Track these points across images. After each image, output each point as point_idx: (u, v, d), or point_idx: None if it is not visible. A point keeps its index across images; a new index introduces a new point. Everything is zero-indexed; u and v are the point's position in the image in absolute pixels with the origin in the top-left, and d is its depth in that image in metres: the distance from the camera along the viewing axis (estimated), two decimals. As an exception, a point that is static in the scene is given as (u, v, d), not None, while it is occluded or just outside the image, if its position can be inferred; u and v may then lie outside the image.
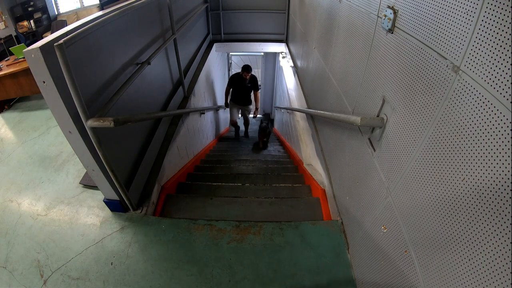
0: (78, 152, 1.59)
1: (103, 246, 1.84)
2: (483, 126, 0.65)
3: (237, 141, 6.09)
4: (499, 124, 0.60)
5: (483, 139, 0.65)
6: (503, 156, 0.59)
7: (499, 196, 0.60)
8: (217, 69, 6.19)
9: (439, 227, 0.81)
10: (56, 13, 7.51)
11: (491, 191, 0.62)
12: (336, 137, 2.03)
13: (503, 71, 0.59)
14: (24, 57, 3.67)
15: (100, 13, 1.77)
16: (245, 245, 1.82)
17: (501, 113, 0.59)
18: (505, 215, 0.58)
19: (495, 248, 0.61)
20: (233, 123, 5.57)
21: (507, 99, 0.58)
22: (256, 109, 5.17)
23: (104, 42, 1.61)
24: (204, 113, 4.40)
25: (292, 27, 4.80)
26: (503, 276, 0.59)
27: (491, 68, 0.62)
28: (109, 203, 2.00)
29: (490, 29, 0.62)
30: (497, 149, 0.61)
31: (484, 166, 0.64)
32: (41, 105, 3.96)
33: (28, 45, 1.60)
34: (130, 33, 1.95)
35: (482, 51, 0.65)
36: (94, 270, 1.71)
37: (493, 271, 0.62)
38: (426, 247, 0.88)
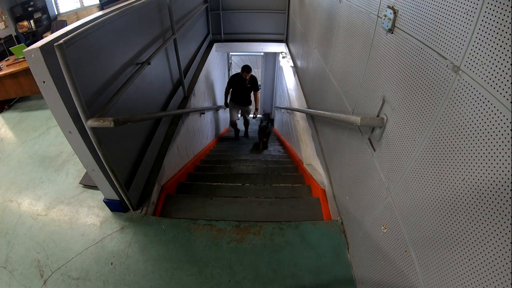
0: (78, 152, 1.59)
1: (103, 246, 1.84)
2: (483, 126, 0.65)
3: (237, 141, 6.09)
4: (499, 124, 0.60)
5: (483, 139, 0.65)
6: (503, 156, 0.59)
7: (499, 196, 0.60)
8: (217, 69, 6.19)
9: (439, 227, 0.81)
10: (56, 13, 7.51)
11: (491, 191, 0.62)
12: (336, 137, 2.03)
13: (503, 71, 0.59)
14: (24, 57, 3.68)
15: (100, 13, 1.77)
16: (245, 245, 1.82)
17: (501, 113, 0.59)
18: (505, 215, 0.58)
19: (495, 248, 0.61)
20: (233, 123, 5.57)
21: (507, 99, 0.58)
22: (256, 109, 5.16)
23: (104, 42, 1.61)
24: (204, 113, 4.40)
25: (292, 27, 4.80)
26: (503, 276, 0.59)
27: (491, 68, 0.62)
28: (109, 203, 2.00)
29: (490, 29, 0.62)
30: (497, 149, 0.61)
31: (484, 166, 0.64)
32: (41, 105, 3.96)
33: (28, 45, 1.60)
34: (130, 33, 1.95)
35: (482, 51, 0.65)
36: (94, 270, 1.71)
37: (493, 271, 0.62)
38: (426, 247, 0.88)
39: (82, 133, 1.46)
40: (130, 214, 2.02)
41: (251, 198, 2.45)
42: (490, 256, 0.62)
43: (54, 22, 6.56)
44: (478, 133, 0.66)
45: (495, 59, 0.61)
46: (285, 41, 5.48)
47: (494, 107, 0.61)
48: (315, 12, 2.79)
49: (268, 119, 5.54)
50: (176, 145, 2.84)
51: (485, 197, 0.64)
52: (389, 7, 1.11)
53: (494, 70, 0.61)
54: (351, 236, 1.72)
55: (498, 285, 0.60)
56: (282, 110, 5.45)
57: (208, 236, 1.89)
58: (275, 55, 7.52)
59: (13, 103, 4.18)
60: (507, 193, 0.58)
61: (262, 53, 7.78)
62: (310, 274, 1.66)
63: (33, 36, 6.56)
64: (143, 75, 2.12)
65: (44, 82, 1.24)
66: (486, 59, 0.63)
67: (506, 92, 0.58)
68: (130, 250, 1.80)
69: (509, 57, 0.57)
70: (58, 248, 1.86)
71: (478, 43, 0.66)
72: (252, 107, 5.35)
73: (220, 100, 5.97)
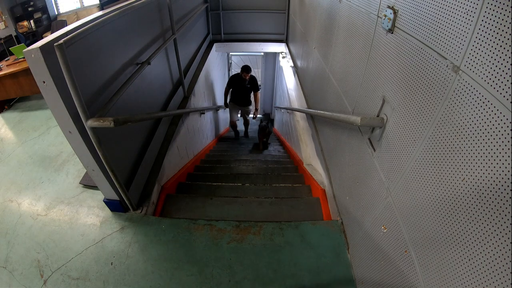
0: (78, 152, 1.59)
1: (103, 246, 1.84)
2: (483, 126, 0.65)
3: (237, 141, 6.09)
4: (499, 124, 0.60)
5: (483, 139, 0.65)
6: (503, 156, 0.59)
7: (499, 196, 0.60)
8: (217, 69, 6.19)
9: (439, 227, 0.81)
10: (56, 13, 7.51)
11: (491, 191, 0.62)
12: (336, 137, 2.03)
13: (503, 71, 0.59)
14: (24, 57, 3.68)
15: (100, 13, 1.77)
16: (245, 245, 1.82)
17: (501, 113, 0.59)
18: (505, 215, 0.58)
19: (495, 248, 0.61)
20: (233, 124, 5.56)
21: (507, 99, 0.58)
22: (256, 109, 5.15)
23: (104, 42, 1.61)
24: (204, 113, 4.40)
25: (292, 27, 4.80)
26: (503, 276, 0.59)
27: (491, 68, 0.62)
28: (109, 203, 2.00)
29: (490, 29, 0.62)
30: (497, 149, 0.61)
31: (484, 166, 0.64)
32: (41, 105, 3.96)
33: (28, 45, 1.60)
34: (130, 33, 1.95)
35: (482, 51, 0.65)
36: (94, 270, 1.71)
37: (493, 271, 0.62)
38: (426, 247, 0.88)
39: (82, 133, 1.46)
40: (130, 214, 2.02)
41: (251, 198, 2.45)
42: (490, 256, 0.62)
43: (54, 22, 6.56)
44: (478, 133, 0.66)
45: (495, 59, 0.61)
46: (285, 41, 5.48)
47: (494, 107, 0.61)
48: (315, 12, 2.79)
49: (268, 119, 5.53)
50: (176, 145, 2.84)
51: (485, 197, 0.64)
52: (389, 7, 1.11)
53: (494, 70, 0.61)
54: (351, 236, 1.72)
55: (498, 285, 0.60)
56: (282, 110, 5.45)
57: (208, 236, 1.89)
58: (275, 55, 7.52)
59: (13, 103, 4.18)
60: (507, 193, 0.58)
61: (262, 53, 7.78)
62: (310, 274, 1.66)
63: (33, 36, 6.56)
64: (143, 75, 2.12)
65: (44, 82, 1.24)
66: (486, 59, 0.63)
67: (506, 92, 0.58)
68: (130, 250, 1.80)
69: (509, 57, 0.57)
70: (58, 248, 1.86)
71: (478, 43, 0.66)
72: (252, 108, 5.35)
73: (220, 100, 5.97)
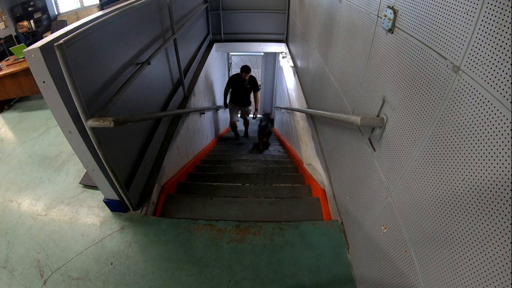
0: (78, 152, 1.59)
1: (103, 246, 1.84)
2: (483, 126, 0.65)
3: (237, 141, 6.09)
4: (499, 124, 0.60)
5: (483, 139, 0.65)
6: (503, 156, 0.59)
7: (499, 196, 0.60)
8: (217, 69, 6.19)
9: (439, 227, 0.81)
10: (56, 13, 7.51)
11: (491, 191, 0.62)
12: (336, 137, 2.03)
13: (503, 71, 0.59)
14: (24, 57, 3.68)
15: (100, 13, 1.77)
16: (245, 245, 1.82)
17: (501, 113, 0.59)
18: (505, 215, 0.58)
19: (495, 248, 0.61)
20: (233, 125, 5.56)
21: (507, 99, 0.58)
22: (256, 109, 5.15)
23: (104, 42, 1.61)
24: (204, 113, 4.40)
25: (292, 27, 4.80)
26: (503, 276, 0.59)
27: (491, 68, 0.62)
28: (109, 203, 2.00)
29: (490, 29, 0.62)
30: (497, 149, 0.61)
31: (484, 166, 0.64)
32: (41, 105, 3.96)
33: (28, 45, 1.60)
34: (130, 33, 1.95)
35: (482, 51, 0.65)
36: (94, 270, 1.71)
37: (493, 271, 0.62)
38: (426, 247, 0.88)
39: (82, 133, 1.46)
40: (130, 214, 2.02)
41: (251, 198, 2.45)
42: (490, 256, 0.62)
43: (54, 22, 6.56)
44: (478, 133, 0.66)
45: (495, 59, 0.61)
46: (285, 41, 5.48)
47: (494, 107, 0.61)
48: (315, 12, 2.79)
49: (268, 119, 5.53)
50: (176, 145, 2.84)
51: (485, 197, 0.64)
52: (389, 7, 1.11)
53: (494, 70, 0.61)
54: (351, 236, 1.72)
55: (498, 285, 0.60)
56: (282, 110, 5.45)
57: (208, 236, 1.89)
58: (275, 55, 7.52)
59: (13, 103, 4.18)
60: (507, 193, 0.58)
61: (262, 53, 7.78)
62: (310, 274, 1.66)
63: (33, 36, 6.56)
64: (143, 75, 2.12)
65: (44, 82, 1.24)
66: (486, 59, 0.63)
67: (506, 92, 0.58)
68: (130, 250, 1.80)
69: (509, 57, 0.57)
70: (58, 248, 1.86)
71: (478, 43, 0.66)
72: (251, 108, 5.34)
73: (220, 100, 5.98)
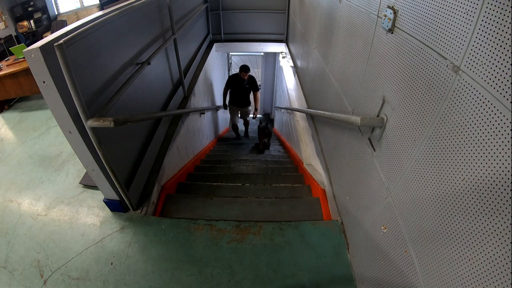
0: (78, 152, 1.59)
1: (103, 246, 1.84)
2: (483, 126, 0.65)
3: (237, 141, 6.09)
4: (499, 124, 0.60)
5: (483, 139, 0.65)
6: (503, 156, 0.59)
7: (499, 196, 0.60)
8: (217, 69, 6.19)
9: (439, 227, 0.81)
10: (56, 13, 7.51)
11: (491, 191, 0.62)
12: (336, 137, 2.03)
13: (503, 71, 0.59)
14: (24, 57, 3.68)
15: (100, 13, 1.77)
16: (245, 245, 1.82)
17: (501, 113, 0.59)
18: (505, 215, 0.58)
19: (495, 248, 0.61)
20: (234, 126, 5.55)
21: (507, 99, 0.58)
22: (256, 109, 5.14)
23: (104, 42, 1.61)
24: (204, 113, 4.40)
25: (292, 27, 4.80)
26: (503, 276, 0.59)
27: (491, 68, 0.62)
28: (109, 203, 2.00)
29: (490, 29, 0.62)
30: (497, 149, 0.61)
31: (484, 166, 0.64)
32: (41, 105, 3.96)
33: (28, 45, 1.60)
34: (130, 33, 1.95)
35: (482, 51, 0.65)
36: (94, 270, 1.71)
37: (493, 271, 0.62)
38: (426, 247, 0.88)
39: (82, 133, 1.46)
40: (130, 214, 2.02)
41: (251, 198, 2.45)
42: (490, 256, 0.62)
43: (54, 22, 6.56)
44: (478, 133, 0.66)
45: (495, 59, 0.61)
46: (285, 41, 5.48)
47: (494, 107, 0.61)
48: (315, 12, 2.79)
49: (268, 119, 5.52)
50: (176, 145, 2.84)
51: (485, 197, 0.64)
52: (389, 7, 1.11)
53: (494, 70, 0.61)
54: (351, 236, 1.72)
55: (498, 285, 0.60)
56: (282, 110, 5.45)
57: (208, 236, 1.89)
58: (275, 55, 7.52)
59: (13, 103, 4.18)
60: (507, 193, 0.58)
61: (262, 53, 7.78)
62: (310, 274, 1.66)
63: (33, 36, 6.56)
64: (143, 75, 2.12)
65: (44, 82, 1.24)
66: (486, 59, 0.63)
67: (506, 92, 0.58)
68: (130, 250, 1.80)
69: (509, 57, 0.57)
70: (58, 248, 1.86)
71: (478, 43, 0.66)
72: (251, 108, 5.33)
73: (220, 100, 5.98)
